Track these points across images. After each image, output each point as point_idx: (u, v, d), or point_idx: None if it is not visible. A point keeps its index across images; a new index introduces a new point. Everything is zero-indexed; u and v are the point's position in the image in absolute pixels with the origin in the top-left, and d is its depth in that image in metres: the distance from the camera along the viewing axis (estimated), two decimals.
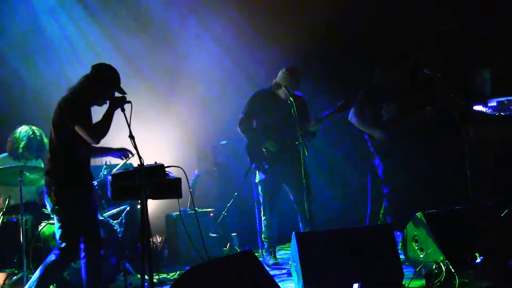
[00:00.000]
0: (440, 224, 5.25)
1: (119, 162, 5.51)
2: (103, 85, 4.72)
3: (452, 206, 5.58)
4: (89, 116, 4.66)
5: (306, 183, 5.75)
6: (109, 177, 4.57)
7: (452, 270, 4.86)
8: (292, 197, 6.26)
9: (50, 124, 4.75)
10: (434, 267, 5.00)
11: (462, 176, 5.80)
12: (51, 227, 5.51)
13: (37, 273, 4.68)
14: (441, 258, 4.99)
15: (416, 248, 5.37)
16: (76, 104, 4.63)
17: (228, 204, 7.26)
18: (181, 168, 4.71)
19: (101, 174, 6.16)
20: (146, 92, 7.41)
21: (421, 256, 5.31)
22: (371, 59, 7.13)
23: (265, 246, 6.42)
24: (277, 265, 6.31)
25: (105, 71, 4.77)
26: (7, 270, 5.79)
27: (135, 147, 4.39)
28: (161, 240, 7.23)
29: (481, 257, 4.91)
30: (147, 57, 7.85)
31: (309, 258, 4.80)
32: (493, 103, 6.54)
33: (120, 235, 5.92)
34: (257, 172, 6.28)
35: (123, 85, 4.77)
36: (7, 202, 5.84)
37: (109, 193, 4.65)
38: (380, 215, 6.81)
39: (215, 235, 7.05)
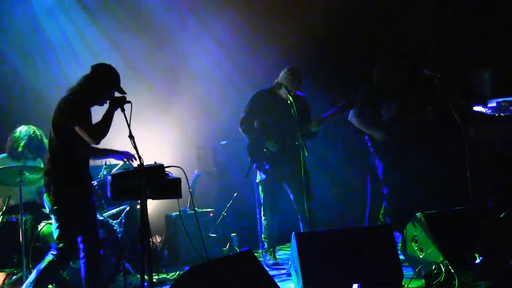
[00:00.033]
0: (440, 225, 5.24)
1: (119, 162, 5.50)
2: (103, 85, 4.72)
3: (452, 207, 5.57)
4: (89, 116, 4.66)
5: (306, 183, 5.75)
6: (109, 177, 4.58)
7: (452, 270, 4.86)
8: (292, 197, 6.26)
9: (49, 124, 4.74)
10: (433, 267, 5.00)
11: (462, 177, 5.80)
12: (50, 227, 5.49)
13: (33, 273, 4.68)
14: (441, 258, 4.98)
15: (416, 248, 5.37)
16: (76, 105, 4.62)
17: (228, 204, 7.26)
18: (181, 168, 4.72)
19: (100, 174, 6.16)
20: (146, 92, 7.41)
21: (421, 256, 5.31)
22: (371, 59, 7.12)
23: (265, 246, 6.42)
24: (276, 265, 6.31)
25: (105, 71, 4.76)
26: (6, 270, 5.79)
27: (135, 147, 4.39)
28: (161, 240, 7.23)
29: (480, 258, 4.91)
30: (147, 57, 7.85)
31: (309, 258, 4.80)
32: (493, 104, 6.55)
33: (119, 235, 5.92)
34: (257, 172, 6.28)
35: (123, 85, 4.77)
36: (6, 202, 5.84)
37: (108, 193, 4.66)
38: (380, 216, 6.81)
39: (214, 235, 7.05)
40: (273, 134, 6.15)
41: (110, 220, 6.01)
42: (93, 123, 4.66)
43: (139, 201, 4.92)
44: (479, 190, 5.87)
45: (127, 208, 6.46)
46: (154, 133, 7.42)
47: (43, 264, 4.66)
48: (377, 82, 6.80)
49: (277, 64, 7.08)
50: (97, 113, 4.74)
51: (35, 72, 7.37)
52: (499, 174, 6.93)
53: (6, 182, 5.74)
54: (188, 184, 4.80)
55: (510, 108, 6.48)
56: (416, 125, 6.77)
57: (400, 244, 5.66)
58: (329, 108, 6.37)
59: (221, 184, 7.75)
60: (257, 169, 6.25)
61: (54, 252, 4.66)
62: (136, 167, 4.57)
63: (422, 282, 5.10)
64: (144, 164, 4.45)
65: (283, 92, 6.05)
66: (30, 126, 6.10)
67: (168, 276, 6.34)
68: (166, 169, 4.60)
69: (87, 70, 4.80)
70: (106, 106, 4.71)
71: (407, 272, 5.20)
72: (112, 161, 5.90)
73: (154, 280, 4.61)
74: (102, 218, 5.87)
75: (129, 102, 4.59)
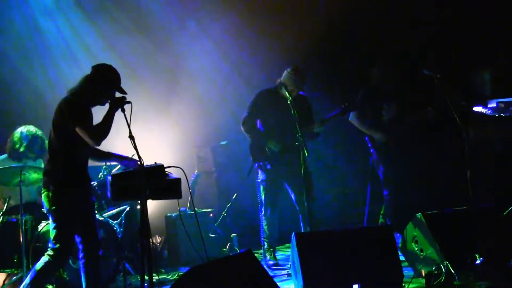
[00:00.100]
0: (440, 225, 5.24)
1: None
2: (104, 86, 4.71)
3: (452, 207, 5.57)
4: (89, 117, 4.65)
5: (308, 184, 5.74)
6: (109, 178, 4.58)
7: (452, 271, 4.86)
8: (293, 197, 6.25)
9: (48, 125, 4.74)
10: (434, 268, 5.00)
11: (462, 177, 5.79)
12: None
13: (30, 274, 4.68)
14: (441, 259, 4.98)
15: (416, 249, 5.37)
16: (77, 105, 4.62)
17: (228, 205, 7.26)
18: (180, 168, 4.71)
19: (100, 174, 6.16)
20: (146, 92, 7.40)
21: (421, 257, 5.31)
22: (371, 59, 7.13)
23: (265, 246, 6.42)
24: (277, 266, 6.31)
25: (106, 71, 4.75)
26: (7, 270, 5.79)
27: (135, 148, 4.39)
28: (161, 240, 7.23)
29: (481, 258, 4.91)
30: (146, 58, 7.84)
31: (309, 259, 4.80)
32: (493, 104, 6.55)
33: (119, 236, 5.92)
34: (258, 171, 6.27)
35: (122, 86, 4.76)
36: (7, 202, 5.84)
37: (109, 194, 4.65)
38: (380, 216, 6.81)
39: (214, 235, 7.04)
40: (275, 134, 6.15)
41: (110, 221, 6.01)
42: (94, 123, 4.66)
43: (139, 202, 4.92)
44: (479, 190, 5.86)
45: (127, 209, 6.46)
46: (154, 134, 7.42)
47: (39, 265, 4.65)
48: (377, 82, 6.80)
49: (277, 64, 7.09)
50: (98, 113, 4.73)
51: (34, 72, 7.37)
52: (499, 174, 6.93)
53: (6, 182, 5.74)
54: (188, 185, 4.80)
55: (510, 108, 6.48)
56: (416, 125, 6.77)
57: (400, 245, 5.67)
58: (329, 108, 6.37)
59: (221, 185, 7.75)
60: (259, 169, 6.24)
61: (50, 253, 4.65)
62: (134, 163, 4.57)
63: (422, 282, 5.10)
64: (144, 164, 4.45)
65: (285, 91, 6.03)
66: (31, 126, 6.10)
67: (168, 277, 6.34)
68: (166, 170, 4.60)
69: (85, 71, 4.80)
70: (107, 106, 4.70)
71: (407, 272, 5.20)
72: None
73: (154, 280, 4.60)
74: (102, 218, 5.87)
75: (129, 102, 4.59)
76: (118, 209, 6.41)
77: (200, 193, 7.71)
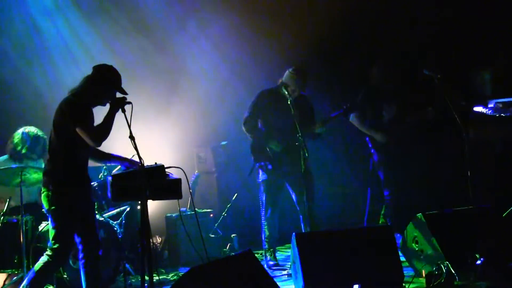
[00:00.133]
0: (440, 225, 5.24)
1: None
2: (105, 86, 4.71)
3: (452, 207, 5.58)
4: (90, 117, 4.65)
5: (308, 184, 5.74)
6: (109, 178, 4.57)
7: (452, 271, 4.86)
8: (294, 197, 6.25)
9: (47, 125, 4.74)
10: (434, 268, 5.00)
11: (462, 177, 5.80)
12: None
13: (29, 274, 4.68)
14: (441, 259, 4.98)
15: (417, 249, 5.37)
16: (77, 106, 4.62)
17: (228, 205, 7.26)
18: (181, 169, 4.71)
19: (101, 175, 6.16)
20: (146, 93, 7.39)
21: (421, 257, 5.31)
22: (371, 59, 7.13)
23: (265, 246, 6.42)
24: (277, 266, 6.31)
25: (106, 71, 4.75)
26: (7, 270, 5.79)
27: (136, 148, 4.39)
28: (161, 240, 7.23)
29: (481, 258, 4.91)
30: (146, 58, 7.84)
31: (309, 259, 4.80)
32: (492, 104, 6.55)
33: (120, 236, 5.92)
34: (259, 171, 6.27)
35: (123, 86, 4.76)
36: (7, 203, 5.84)
37: (109, 194, 4.65)
38: (381, 216, 6.81)
39: (215, 236, 7.04)
40: (277, 134, 6.14)
41: (111, 221, 6.01)
42: (95, 124, 4.66)
43: (139, 202, 4.92)
44: (479, 190, 5.87)
45: (128, 209, 6.46)
46: (154, 134, 7.41)
47: (38, 265, 4.65)
48: (377, 82, 6.80)
49: (277, 64, 7.09)
50: (98, 113, 4.73)
51: (34, 73, 7.37)
52: (499, 174, 6.93)
53: (6, 183, 5.74)
54: (188, 185, 4.79)
55: (510, 108, 6.48)
56: (416, 125, 6.77)
57: (400, 245, 5.67)
58: (329, 108, 6.36)
59: (221, 185, 7.75)
60: (259, 169, 6.24)
61: (49, 253, 4.65)
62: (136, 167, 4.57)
63: (422, 282, 5.10)
64: (145, 164, 4.45)
65: (285, 91, 6.02)
66: (32, 127, 6.10)
67: (168, 277, 6.34)
68: (166, 170, 4.60)
69: (84, 72, 4.80)
70: (107, 106, 4.71)
71: (408, 272, 5.20)
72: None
73: (154, 280, 4.60)
74: (102, 218, 5.87)
75: (129, 103, 4.59)
76: (118, 209, 6.41)
77: (200, 193, 7.71)
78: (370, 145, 6.78)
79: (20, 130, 6.09)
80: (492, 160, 7.06)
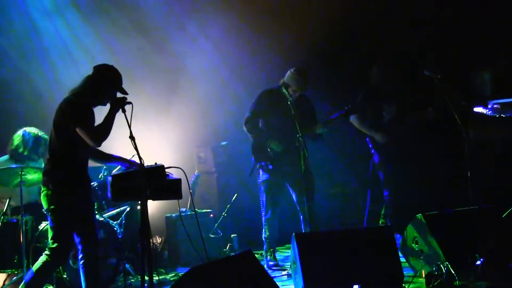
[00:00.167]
0: (440, 226, 5.24)
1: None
2: (105, 86, 4.71)
3: (452, 208, 5.57)
4: (91, 117, 4.64)
5: (308, 184, 5.73)
6: (109, 178, 4.57)
7: (452, 271, 4.85)
8: (294, 198, 6.25)
9: (46, 126, 4.73)
10: (434, 268, 5.00)
11: (462, 177, 5.80)
12: None
13: (28, 274, 4.67)
14: (441, 259, 4.98)
15: (416, 249, 5.36)
16: (78, 106, 4.61)
17: (228, 205, 7.26)
18: (181, 169, 4.71)
19: (101, 175, 6.15)
20: (146, 93, 7.40)
21: (421, 257, 5.30)
22: (371, 59, 7.12)
23: (265, 247, 6.42)
24: (277, 266, 6.31)
25: (107, 71, 4.75)
26: (7, 270, 5.80)
27: (136, 148, 4.39)
28: (161, 241, 7.23)
29: (481, 259, 4.91)
30: (147, 59, 7.85)
31: (310, 259, 4.79)
32: (495, 105, 6.54)
33: (120, 236, 5.92)
34: (260, 171, 6.27)
35: (123, 86, 4.76)
36: (7, 203, 5.84)
37: (109, 194, 4.65)
38: (381, 216, 6.81)
39: (215, 236, 7.04)
40: (278, 135, 6.13)
41: (110, 221, 6.01)
42: (96, 123, 4.66)
43: (139, 202, 4.92)
44: (479, 190, 5.87)
45: (128, 209, 6.46)
46: (154, 134, 7.41)
47: (37, 265, 4.65)
48: (377, 82, 6.80)
49: (276, 65, 7.09)
50: (99, 114, 4.73)
51: (33, 73, 7.37)
52: (499, 174, 6.93)
53: (6, 183, 5.74)
54: (188, 185, 4.80)
55: (509, 109, 6.48)
56: (416, 125, 6.77)
57: (400, 245, 5.66)
58: (330, 108, 6.36)
59: (221, 185, 7.75)
60: (260, 169, 6.24)
61: (48, 252, 4.65)
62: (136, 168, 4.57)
63: (422, 282, 5.10)
64: (145, 165, 4.45)
65: (285, 92, 6.01)
66: (32, 128, 6.10)
67: (168, 277, 6.34)
68: (166, 170, 4.60)
69: (84, 72, 4.80)
70: (107, 106, 4.71)
71: (408, 272, 5.20)
72: None
73: (154, 281, 4.60)
74: (102, 219, 5.87)
75: (130, 103, 4.59)
76: (118, 209, 6.41)
77: (201, 193, 7.71)
78: (370, 145, 6.78)
79: (20, 132, 6.09)
80: (492, 160, 7.06)
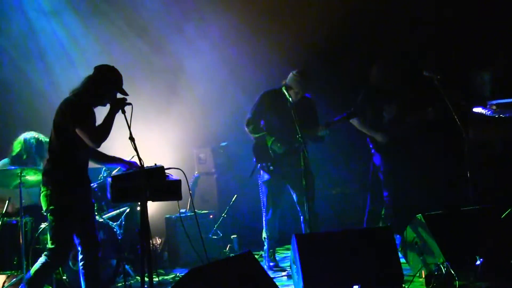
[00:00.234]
0: (440, 226, 5.24)
1: None
2: (105, 86, 4.70)
3: (452, 208, 5.57)
4: (91, 117, 4.63)
5: (308, 185, 5.73)
6: (109, 179, 4.57)
7: (452, 271, 4.85)
8: (295, 198, 6.25)
9: (43, 127, 4.73)
10: (434, 268, 4.99)
11: (462, 177, 5.79)
12: None
13: (28, 275, 4.67)
14: (441, 259, 4.98)
15: (416, 250, 5.36)
16: (78, 106, 4.61)
17: (228, 206, 7.25)
18: (181, 170, 4.71)
19: (100, 176, 6.15)
20: (146, 93, 7.40)
21: (421, 257, 5.30)
22: (371, 59, 7.12)
23: (265, 247, 6.41)
24: (277, 267, 6.31)
25: (107, 71, 4.75)
26: (6, 272, 5.79)
27: (135, 149, 4.39)
28: (161, 242, 7.23)
29: (481, 259, 4.90)
30: (147, 59, 7.85)
31: (309, 260, 4.79)
32: (492, 105, 6.53)
33: (119, 237, 5.91)
34: (261, 172, 6.27)
35: (124, 87, 4.76)
36: (6, 204, 5.83)
37: (109, 195, 4.64)
38: (381, 216, 6.80)
39: (215, 237, 7.04)
40: (278, 135, 6.13)
41: (110, 222, 6.00)
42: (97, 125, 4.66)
43: (139, 203, 4.92)
44: (479, 190, 5.87)
45: (127, 210, 6.45)
46: (154, 135, 7.41)
47: (37, 266, 4.65)
48: (377, 82, 6.80)
49: (276, 65, 7.09)
50: (98, 114, 4.73)
51: (32, 74, 7.38)
52: (499, 174, 6.92)
53: (6, 184, 5.73)
54: (188, 186, 4.79)
55: (508, 109, 6.47)
56: (416, 125, 6.76)
57: (400, 246, 5.66)
58: (330, 109, 6.35)
59: (221, 186, 7.74)
60: (261, 169, 6.24)
61: (47, 253, 4.64)
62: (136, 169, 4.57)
63: (422, 283, 5.10)
64: (144, 166, 4.44)
65: (291, 93, 6.00)
66: (32, 132, 6.12)
67: (168, 278, 6.34)
68: (166, 171, 4.59)
69: (83, 73, 4.80)
70: (107, 107, 4.70)
71: (408, 273, 5.19)
72: None
73: (154, 282, 4.59)
74: (102, 220, 5.86)
75: (129, 104, 4.59)
76: (118, 210, 6.41)
77: (200, 194, 7.71)
78: (370, 145, 6.77)
79: (21, 138, 6.09)
80: (492, 160, 7.05)
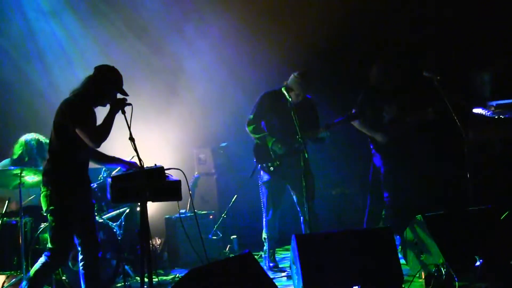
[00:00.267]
0: (440, 227, 5.23)
1: None
2: (106, 86, 4.71)
3: (452, 208, 5.57)
4: (92, 117, 4.63)
5: (308, 185, 5.73)
6: (109, 179, 4.57)
7: (452, 272, 4.85)
8: (295, 199, 6.25)
9: (46, 127, 4.73)
10: (434, 269, 4.99)
11: (462, 178, 5.79)
12: None
13: (28, 275, 4.67)
14: (441, 260, 4.97)
15: (416, 250, 5.36)
16: (78, 106, 4.61)
17: (228, 207, 7.25)
18: (180, 170, 4.71)
19: (100, 176, 6.15)
20: (146, 94, 7.40)
21: (421, 258, 5.30)
22: (371, 59, 7.12)
23: (265, 248, 6.41)
24: (277, 267, 6.30)
25: (107, 71, 4.75)
26: (6, 272, 5.78)
27: (135, 149, 4.39)
28: (161, 242, 7.22)
29: (481, 260, 4.90)
30: (147, 60, 7.85)
31: (309, 260, 4.79)
32: (492, 106, 6.53)
33: (119, 238, 5.91)
34: (261, 172, 6.26)
35: (124, 87, 4.76)
36: (6, 204, 5.83)
37: (108, 195, 4.64)
38: (382, 216, 6.80)
39: (214, 237, 7.04)
40: (279, 136, 6.13)
41: (110, 223, 6.00)
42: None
43: (139, 203, 4.91)
44: (479, 191, 5.86)
45: (127, 211, 6.45)
46: (154, 135, 7.41)
47: (37, 266, 4.64)
48: (377, 82, 6.79)
49: (276, 65, 7.09)
50: (98, 114, 4.73)
51: (32, 74, 7.38)
52: (499, 175, 6.92)
53: (6, 185, 5.73)
54: (188, 186, 4.79)
55: (508, 110, 6.47)
56: (416, 125, 6.76)
57: (400, 247, 5.66)
58: (329, 109, 6.34)
59: (221, 186, 7.74)
60: (261, 170, 6.24)
61: (48, 253, 4.64)
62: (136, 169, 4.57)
63: (422, 284, 5.09)
64: (144, 166, 4.44)
65: (292, 94, 6.00)
66: (32, 134, 6.12)
67: (168, 279, 6.33)
68: (166, 171, 4.59)
69: (80, 75, 4.80)
70: (107, 107, 4.70)
71: (407, 274, 5.19)
72: None
73: (153, 282, 4.59)
74: (101, 220, 5.86)
75: (129, 104, 4.59)
76: (117, 211, 6.41)
77: (200, 195, 7.71)
78: (371, 146, 6.77)
79: (22, 140, 6.10)
80: (492, 161, 7.05)
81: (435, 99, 6.26)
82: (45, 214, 4.73)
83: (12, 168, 5.69)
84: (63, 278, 5.46)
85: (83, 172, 4.78)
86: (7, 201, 5.85)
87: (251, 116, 6.25)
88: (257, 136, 6.21)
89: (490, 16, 7.25)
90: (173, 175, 4.66)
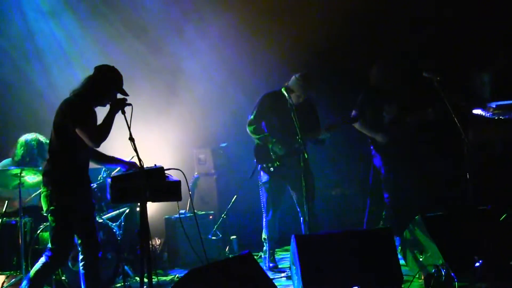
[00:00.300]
0: (440, 227, 5.23)
1: None
2: (106, 86, 4.70)
3: (452, 209, 5.56)
4: (92, 117, 4.63)
5: (308, 186, 5.72)
6: (109, 180, 4.56)
7: (451, 273, 4.84)
8: (295, 199, 6.25)
9: (45, 127, 4.73)
10: (433, 270, 4.99)
11: (462, 178, 5.79)
12: None
13: (28, 276, 4.66)
14: (441, 261, 4.97)
15: (416, 251, 5.35)
16: (78, 106, 4.61)
17: (228, 207, 7.25)
18: (180, 170, 4.71)
19: (100, 176, 6.15)
20: (146, 94, 7.40)
21: (421, 259, 5.29)
22: (371, 59, 7.11)
23: (265, 248, 6.41)
24: (276, 268, 6.30)
25: (108, 71, 4.75)
26: (6, 272, 5.79)
27: (135, 150, 4.39)
28: (161, 242, 7.22)
29: (480, 260, 4.89)
30: (147, 60, 7.85)
31: (309, 261, 4.79)
32: (492, 107, 6.53)
33: (119, 238, 5.91)
34: (261, 173, 6.26)
35: (124, 87, 4.75)
36: (6, 205, 5.83)
37: (108, 196, 4.64)
38: (383, 216, 6.79)
39: (214, 238, 7.03)
40: (279, 137, 6.13)
41: (110, 223, 6.00)
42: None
43: (138, 204, 4.91)
44: (479, 191, 5.86)
45: (127, 211, 6.45)
46: (154, 136, 7.41)
47: (37, 266, 4.65)
48: (377, 82, 6.79)
49: (276, 65, 7.08)
50: (98, 114, 4.72)
51: (32, 74, 7.38)
52: (499, 175, 6.92)
53: (6, 185, 5.73)
54: (188, 187, 4.79)
55: (508, 111, 6.46)
56: (416, 126, 6.76)
57: (399, 247, 5.65)
58: (329, 109, 6.34)
59: (221, 187, 7.74)
60: (261, 170, 6.24)
61: (48, 254, 4.64)
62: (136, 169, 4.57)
63: (422, 284, 5.09)
64: (144, 166, 4.44)
65: (293, 96, 5.99)
66: (32, 134, 6.12)
67: (168, 279, 6.33)
68: (165, 172, 4.59)
69: (79, 75, 4.80)
70: (108, 107, 4.70)
71: (407, 274, 5.19)
72: None
73: (153, 282, 4.59)
74: (101, 220, 5.86)
75: (129, 104, 4.59)
76: (117, 211, 6.41)
77: (200, 195, 7.71)
78: (371, 146, 6.77)
79: (22, 140, 6.10)
80: (492, 161, 7.05)
81: (435, 100, 6.25)
82: (45, 214, 4.73)
83: (12, 168, 5.69)
84: (63, 278, 5.46)
85: (83, 172, 4.77)
86: (6, 201, 5.85)
87: (252, 117, 6.25)
88: (257, 136, 6.21)
89: (490, 16, 7.25)
90: (173, 175, 4.66)
